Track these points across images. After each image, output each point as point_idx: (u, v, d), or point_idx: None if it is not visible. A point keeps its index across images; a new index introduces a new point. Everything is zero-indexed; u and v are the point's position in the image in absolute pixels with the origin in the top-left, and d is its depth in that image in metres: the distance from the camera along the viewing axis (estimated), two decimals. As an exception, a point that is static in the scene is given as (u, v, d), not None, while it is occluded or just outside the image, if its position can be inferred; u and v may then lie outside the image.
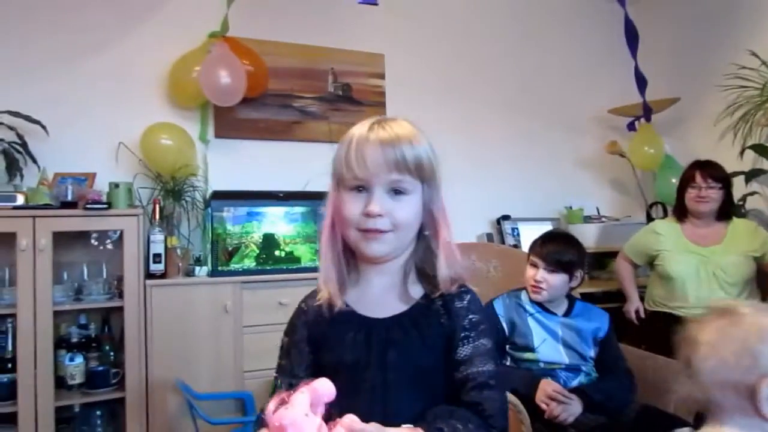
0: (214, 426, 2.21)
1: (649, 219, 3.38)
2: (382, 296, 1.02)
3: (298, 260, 2.75)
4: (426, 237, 1.02)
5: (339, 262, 1.02)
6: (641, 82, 3.29)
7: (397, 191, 0.96)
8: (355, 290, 1.04)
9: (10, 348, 2.28)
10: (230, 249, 2.68)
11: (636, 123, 3.64)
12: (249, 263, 2.68)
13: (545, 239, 1.94)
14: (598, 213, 3.65)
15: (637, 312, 2.65)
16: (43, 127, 2.46)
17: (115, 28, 2.78)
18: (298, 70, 3.13)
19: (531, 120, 3.70)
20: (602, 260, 3.39)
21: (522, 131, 3.66)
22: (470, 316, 0.99)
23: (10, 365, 2.26)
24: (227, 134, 2.97)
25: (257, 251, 2.71)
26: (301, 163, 2.95)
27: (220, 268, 2.59)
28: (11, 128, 2.42)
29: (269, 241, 2.74)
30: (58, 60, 2.66)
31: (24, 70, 2.59)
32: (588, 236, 3.33)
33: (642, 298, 2.70)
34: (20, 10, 2.61)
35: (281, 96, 3.08)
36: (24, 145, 2.43)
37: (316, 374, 0.97)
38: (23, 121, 2.42)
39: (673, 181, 2.76)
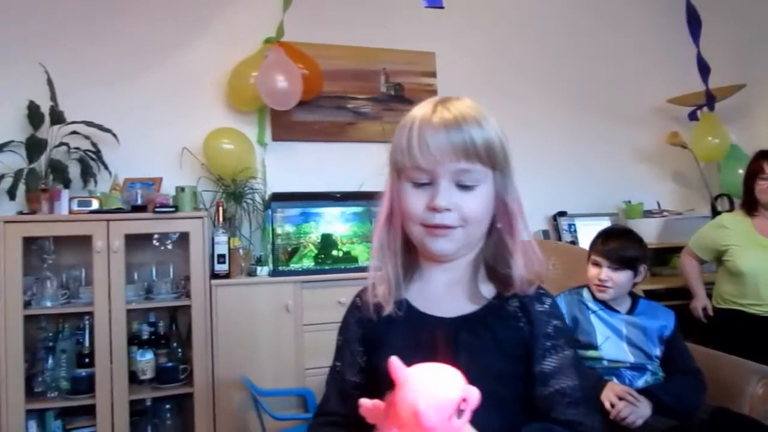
0: (277, 421, 2.27)
1: (715, 212, 3.26)
2: (447, 294, 0.91)
3: (355, 260, 2.80)
4: (498, 230, 0.90)
5: (396, 258, 0.92)
6: (704, 70, 3.18)
7: (465, 182, 0.85)
8: (417, 286, 0.93)
9: (87, 344, 2.42)
10: (290, 249, 2.75)
11: (698, 112, 3.51)
12: (308, 263, 2.75)
13: (606, 236, 1.90)
14: (659, 207, 3.54)
15: (704, 309, 2.57)
16: (114, 135, 2.59)
17: (176, 40, 2.90)
18: (351, 71, 3.18)
19: (587, 112, 3.62)
20: (664, 256, 3.30)
21: (578, 124, 3.59)
22: (554, 322, 0.88)
23: (87, 360, 2.40)
24: (284, 137, 3.05)
25: (315, 251, 2.77)
26: (356, 164, 3.00)
27: (280, 268, 2.66)
28: (86, 137, 2.56)
29: (327, 241, 2.79)
30: (127, 72, 2.80)
31: (97, 83, 2.73)
32: (649, 231, 3.23)
33: (709, 295, 2.61)
34: (91, 31, 2.77)
35: (335, 98, 3.13)
36: (97, 152, 2.58)
37: (370, 379, 0.91)
38: (96, 130, 2.56)
39: (740, 171, 2.66)
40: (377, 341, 0.91)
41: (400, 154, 0.87)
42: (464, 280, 0.91)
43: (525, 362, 0.87)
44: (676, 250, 2.87)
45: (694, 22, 3.07)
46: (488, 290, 0.91)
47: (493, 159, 0.86)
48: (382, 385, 0.84)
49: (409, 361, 0.80)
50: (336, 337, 1.00)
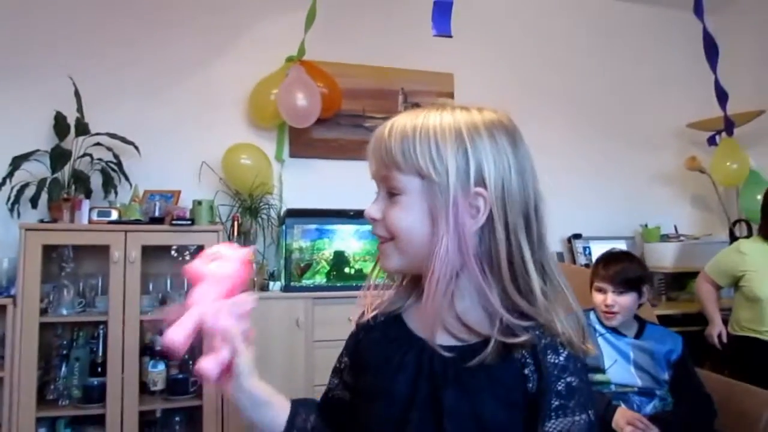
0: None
1: (733, 237, 3.22)
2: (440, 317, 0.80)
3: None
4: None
5: (399, 275, 0.88)
6: (722, 96, 3.16)
7: (392, 189, 0.77)
8: (416, 306, 0.84)
9: (101, 353, 2.44)
10: (302, 265, 2.76)
11: (717, 137, 3.49)
12: (320, 279, 2.76)
13: (606, 261, 1.88)
14: (676, 231, 3.50)
15: (719, 336, 2.53)
16: (136, 147, 2.65)
17: (200, 55, 2.97)
18: (370, 90, 3.22)
19: (606, 135, 3.61)
20: (681, 281, 3.26)
21: (596, 147, 3.58)
22: (568, 379, 0.74)
23: (100, 369, 2.41)
24: (302, 153, 3.09)
25: (328, 268, 2.78)
26: (372, 182, 3.01)
27: (293, 284, 2.68)
28: (109, 149, 2.62)
29: (340, 258, 2.81)
30: (150, 86, 2.87)
31: (121, 96, 2.80)
32: (666, 255, 3.21)
33: (725, 321, 2.57)
34: (118, 45, 2.84)
35: (353, 116, 3.17)
36: (119, 164, 2.63)
37: (351, 398, 0.89)
38: (119, 142, 2.62)
39: (759, 197, 2.63)
40: (364, 358, 0.86)
41: None
42: (466, 307, 0.79)
43: (526, 417, 0.74)
44: (693, 275, 2.84)
45: (711, 50, 3.06)
46: (484, 324, 0.78)
47: (417, 167, 0.75)
48: (360, 411, 0.83)
49: (390, 383, 0.77)
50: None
